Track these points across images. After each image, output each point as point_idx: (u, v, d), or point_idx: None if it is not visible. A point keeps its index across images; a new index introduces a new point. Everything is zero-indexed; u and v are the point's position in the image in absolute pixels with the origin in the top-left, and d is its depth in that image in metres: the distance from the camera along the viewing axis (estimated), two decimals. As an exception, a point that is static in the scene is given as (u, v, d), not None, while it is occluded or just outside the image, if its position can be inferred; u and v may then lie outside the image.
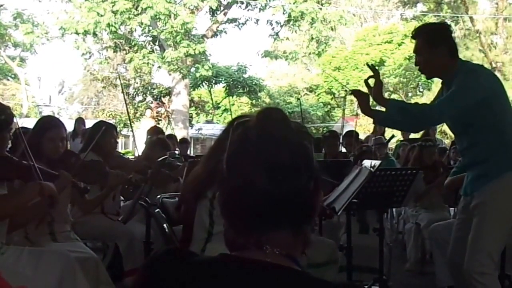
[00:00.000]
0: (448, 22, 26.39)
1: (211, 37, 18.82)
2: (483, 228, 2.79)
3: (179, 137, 9.05)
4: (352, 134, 7.37)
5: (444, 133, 21.45)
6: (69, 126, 4.88)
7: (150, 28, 17.25)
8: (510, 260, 3.72)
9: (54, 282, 2.45)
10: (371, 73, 3.06)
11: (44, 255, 2.58)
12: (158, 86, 20.72)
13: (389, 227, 4.79)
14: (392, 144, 10.50)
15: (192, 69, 18.48)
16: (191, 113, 22.03)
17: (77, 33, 16.93)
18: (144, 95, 20.96)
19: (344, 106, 20.19)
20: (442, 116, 2.92)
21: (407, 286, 4.53)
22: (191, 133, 21.61)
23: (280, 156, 0.99)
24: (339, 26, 20.23)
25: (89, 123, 10.30)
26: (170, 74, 18.30)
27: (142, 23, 16.57)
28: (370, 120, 3.12)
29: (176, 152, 5.89)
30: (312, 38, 18.90)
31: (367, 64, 3.16)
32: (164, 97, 20.02)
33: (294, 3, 17.51)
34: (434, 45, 2.89)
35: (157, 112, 18.85)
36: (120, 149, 19.12)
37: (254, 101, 22.92)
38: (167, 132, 11.55)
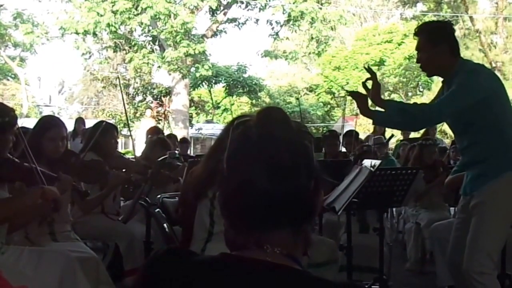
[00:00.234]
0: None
1: (211, 37, 18.83)
2: (482, 228, 2.79)
3: (179, 137, 9.04)
4: (352, 134, 7.36)
5: (444, 133, 21.46)
6: (69, 126, 4.88)
7: (150, 28, 17.26)
8: (511, 259, 3.72)
9: (54, 281, 2.45)
10: (369, 75, 3.07)
11: (44, 254, 2.58)
12: (158, 86, 20.73)
13: (389, 227, 4.78)
14: (392, 144, 10.50)
15: (192, 69, 18.49)
16: (191, 113, 22.05)
17: (77, 33, 16.94)
18: (144, 95, 20.98)
19: (344, 106, 20.19)
20: (442, 116, 2.93)
21: (407, 286, 4.53)
22: (191, 133, 21.61)
23: (280, 155, 0.99)
24: (339, 26, 20.24)
25: (89, 123, 10.30)
26: (170, 74, 18.31)
27: (142, 23, 16.58)
28: (370, 120, 3.12)
29: (176, 152, 5.89)
30: (312, 38, 18.91)
31: (364, 67, 3.16)
32: (164, 97, 20.03)
33: (294, 3, 17.51)
34: (436, 43, 2.89)
35: (157, 112, 18.85)
36: (120, 149, 19.12)
37: (254, 101, 22.95)
38: (167, 132, 11.57)
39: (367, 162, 3.37)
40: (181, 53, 16.75)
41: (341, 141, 6.91)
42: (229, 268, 0.98)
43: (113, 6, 16.23)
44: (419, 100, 21.99)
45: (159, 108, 19.30)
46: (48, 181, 2.72)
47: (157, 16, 16.32)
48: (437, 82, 24.22)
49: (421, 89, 27.40)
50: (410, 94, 27.36)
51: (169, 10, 16.17)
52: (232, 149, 1.03)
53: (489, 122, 2.82)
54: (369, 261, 3.90)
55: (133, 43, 18.39)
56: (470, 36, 24.90)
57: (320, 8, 18.11)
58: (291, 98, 27.93)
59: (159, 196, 3.51)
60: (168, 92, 19.65)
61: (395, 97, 27.07)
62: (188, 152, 9.47)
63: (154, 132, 6.61)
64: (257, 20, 19.17)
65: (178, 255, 1.03)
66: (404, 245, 5.46)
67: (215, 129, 21.15)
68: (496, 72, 3.26)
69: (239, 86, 21.29)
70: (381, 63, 26.09)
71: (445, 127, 21.75)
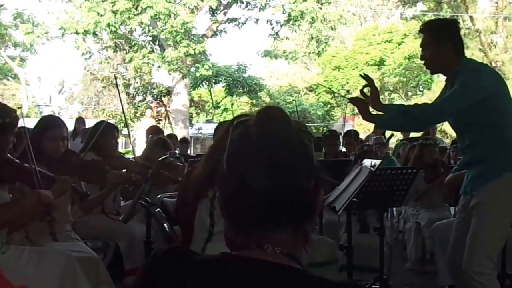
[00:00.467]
0: (448, 21, 26.26)
1: (211, 36, 18.82)
2: (482, 228, 2.79)
3: (179, 137, 9.05)
4: (352, 134, 7.37)
5: (444, 133, 21.45)
6: (69, 126, 4.88)
7: (150, 28, 17.26)
8: (511, 259, 3.72)
9: (55, 281, 2.45)
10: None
11: (44, 254, 2.58)
12: (158, 85, 20.73)
13: (390, 227, 4.79)
14: (392, 144, 10.50)
15: (192, 69, 18.49)
16: (191, 113, 22.05)
17: (77, 33, 16.93)
18: (144, 95, 20.98)
19: (345, 106, 20.18)
20: (444, 115, 2.93)
21: (408, 285, 4.53)
22: (191, 133, 21.61)
23: (280, 155, 0.99)
24: (339, 26, 20.23)
25: (89, 123, 10.30)
26: (170, 74, 18.30)
27: (142, 23, 16.58)
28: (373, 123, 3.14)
29: (177, 151, 5.90)
30: (312, 38, 18.90)
31: (361, 75, 3.17)
32: (164, 96, 20.03)
33: (294, 3, 17.51)
34: (440, 41, 2.88)
35: (157, 112, 18.86)
36: (121, 149, 19.13)
37: (254, 101, 22.93)
38: (170, 131, 11.56)
39: (367, 162, 3.37)
40: (181, 53, 16.75)
41: (341, 141, 6.91)
42: (230, 267, 0.98)
43: (113, 6, 16.23)
44: (419, 99, 22.00)
45: (159, 108, 19.30)
46: (48, 182, 2.73)
47: (157, 16, 16.31)
48: (437, 82, 24.23)
49: (421, 89, 27.39)
50: (410, 93, 27.35)
51: (169, 10, 16.17)
52: (232, 149, 1.03)
53: (491, 122, 2.82)
54: (369, 261, 3.91)
55: (133, 43, 18.39)
56: (470, 35, 24.88)
57: (320, 8, 18.10)
58: (291, 98, 27.93)
59: (159, 196, 3.51)
60: (168, 92, 19.65)
61: (395, 96, 27.09)
62: (188, 152, 9.48)
63: (155, 132, 6.60)
64: (257, 20, 19.18)
65: (178, 255, 1.03)
66: (404, 245, 5.46)
67: (215, 129, 21.10)
68: (496, 72, 3.26)
69: (239, 86, 21.29)
70: (381, 62, 26.09)
71: (445, 126, 21.75)
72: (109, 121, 5.97)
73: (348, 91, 25.37)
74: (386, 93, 26.56)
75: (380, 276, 3.66)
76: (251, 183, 0.98)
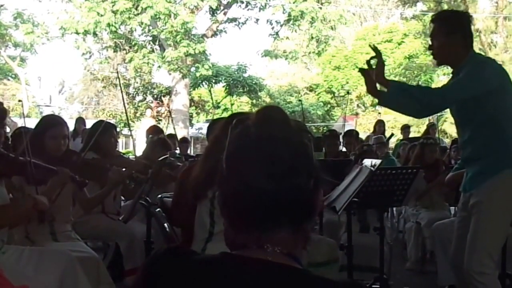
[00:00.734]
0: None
1: (211, 36, 18.83)
2: (482, 227, 2.78)
3: (179, 137, 9.05)
4: (352, 134, 7.38)
5: (444, 132, 21.45)
6: (70, 126, 4.88)
7: (150, 27, 17.27)
8: (511, 259, 3.72)
9: (55, 281, 2.45)
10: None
11: (45, 254, 2.58)
12: (158, 85, 20.75)
13: (390, 226, 4.79)
14: (392, 143, 10.51)
15: (192, 69, 18.50)
16: (191, 113, 22.05)
17: (77, 33, 16.95)
18: (144, 95, 21.00)
19: (346, 106, 20.19)
20: (445, 102, 2.88)
21: (408, 285, 4.52)
22: (191, 133, 21.63)
23: (279, 155, 0.99)
24: (339, 25, 20.25)
25: (89, 123, 10.30)
26: (170, 74, 18.31)
27: (142, 23, 16.59)
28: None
29: (177, 151, 5.90)
30: (312, 38, 18.92)
31: (370, 45, 3.12)
32: (164, 96, 20.04)
33: (294, 3, 17.53)
34: (449, 32, 2.86)
35: (157, 112, 18.87)
36: (121, 148, 19.14)
37: (254, 101, 22.94)
38: (170, 131, 11.55)
39: (367, 162, 3.36)
40: (181, 53, 16.76)
41: (341, 140, 6.91)
42: (230, 267, 0.98)
43: (113, 6, 16.24)
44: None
45: (159, 108, 19.31)
46: (45, 174, 2.74)
47: (157, 16, 16.33)
48: (437, 82, 24.26)
49: (421, 89, 27.34)
50: (410, 93, 27.28)
51: (169, 10, 16.18)
52: (231, 149, 1.03)
53: (492, 117, 2.80)
54: (370, 261, 3.90)
55: (133, 43, 18.40)
56: (470, 35, 24.85)
57: (320, 8, 18.12)
58: (291, 97, 27.93)
59: (159, 195, 3.51)
60: (168, 92, 19.65)
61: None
62: (188, 152, 9.48)
63: (155, 132, 6.60)
64: (257, 19, 19.20)
65: (178, 254, 1.03)
66: (405, 245, 5.46)
67: (215, 129, 21.06)
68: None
69: (239, 86, 21.29)
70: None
71: (445, 126, 21.75)
72: (109, 121, 5.97)
73: (348, 91, 25.37)
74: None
75: (380, 276, 3.66)
76: (251, 183, 0.98)
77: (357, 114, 22.86)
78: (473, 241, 2.78)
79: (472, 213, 2.83)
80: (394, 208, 5.36)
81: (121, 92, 5.77)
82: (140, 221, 3.84)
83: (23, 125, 3.78)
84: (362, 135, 10.29)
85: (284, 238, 1.00)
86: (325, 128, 24.00)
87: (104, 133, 4.02)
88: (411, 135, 10.74)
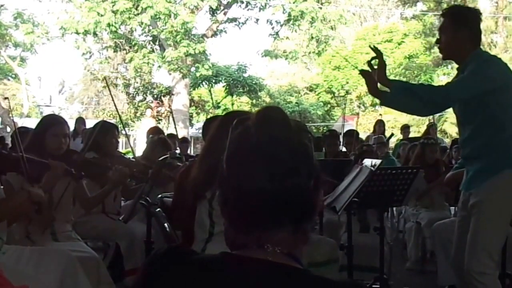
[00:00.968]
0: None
1: (211, 36, 18.83)
2: (482, 228, 2.78)
3: (179, 137, 9.05)
4: (352, 133, 7.37)
5: (444, 132, 21.46)
6: (70, 126, 4.88)
7: (150, 27, 17.27)
8: (511, 259, 3.72)
9: (55, 281, 2.45)
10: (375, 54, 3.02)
11: (45, 254, 2.58)
12: (158, 85, 20.74)
13: (390, 226, 4.79)
14: (392, 143, 10.51)
15: (192, 69, 18.51)
16: (191, 113, 22.06)
17: (77, 33, 16.96)
18: (144, 95, 20.99)
19: (345, 106, 20.19)
20: (448, 100, 2.87)
21: (408, 285, 4.53)
22: (192, 133, 21.62)
23: (280, 155, 0.99)
24: (339, 25, 20.25)
25: (89, 123, 10.31)
26: (170, 74, 18.32)
27: (142, 23, 16.59)
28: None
29: (177, 151, 5.90)
30: (312, 38, 18.92)
31: (370, 46, 3.12)
32: (164, 96, 20.04)
33: (294, 3, 17.52)
34: (458, 27, 2.86)
35: (157, 112, 18.87)
36: (121, 148, 19.14)
37: (254, 101, 22.94)
38: (169, 131, 11.55)
39: (367, 162, 3.36)
40: (181, 53, 16.76)
41: (341, 140, 6.91)
42: (230, 267, 0.98)
43: (113, 6, 16.24)
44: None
45: (159, 108, 19.31)
46: (40, 168, 2.75)
47: (157, 16, 16.33)
48: (437, 81, 24.25)
49: (421, 89, 27.33)
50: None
51: (169, 10, 16.18)
52: (232, 149, 1.03)
53: (494, 116, 2.79)
54: (370, 261, 3.91)
55: (133, 43, 18.40)
56: (470, 35, 24.83)
57: (320, 8, 18.12)
58: (291, 97, 27.93)
59: (159, 195, 3.51)
60: (168, 92, 19.65)
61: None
62: (189, 152, 9.49)
63: (155, 132, 6.61)
64: (257, 19, 19.19)
65: (178, 254, 1.03)
66: (405, 245, 5.46)
67: (216, 128, 21.06)
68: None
69: (239, 86, 21.30)
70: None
71: (445, 126, 21.75)
72: (109, 121, 5.97)
73: (347, 91, 25.37)
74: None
75: (380, 275, 3.66)
76: (251, 183, 0.98)
77: (357, 114, 22.87)
78: (473, 241, 2.78)
79: (472, 213, 2.83)
80: (394, 208, 5.36)
81: (111, 96, 5.74)
82: (140, 221, 3.85)
83: (23, 125, 3.79)
84: (362, 135, 10.29)
85: (284, 238, 1.00)
86: (325, 128, 24.00)
87: (106, 133, 4.03)
88: (411, 135, 10.74)
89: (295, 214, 1.00)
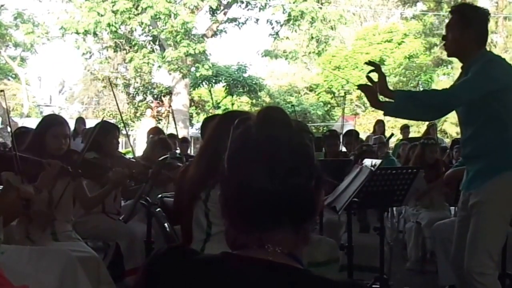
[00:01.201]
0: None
1: (211, 36, 18.83)
2: (481, 228, 2.78)
3: (179, 137, 9.04)
4: (352, 134, 7.37)
5: (444, 132, 21.45)
6: (70, 126, 4.88)
7: (150, 27, 17.27)
8: (511, 259, 3.72)
9: (55, 281, 2.45)
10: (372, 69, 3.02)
11: (45, 254, 2.59)
12: (158, 85, 20.74)
13: (390, 226, 4.79)
14: (392, 143, 10.51)
15: (192, 69, 18.50)
16: (191, 113, 22.06)
17: (77, 33, 16.96)
18: (144, 95, 21.00)
19: (344, 105, 20.19)
20: (455, 101, 2.86)
21: (408, 285, 4.53)
22: (192, 133, 21.60)
23: (280, 155, 0.99)
24: (339, 25, 20.24)
25: (89, 123, 10.31)
26: (170, 74, 18.31)
27: (142, 23, 16.59)
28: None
29: (177, 151, 5.90)
30: (312, 38, 18.92)
31: (366, 63, 3.13)
32: (164, 96, 20.04)
33: (294, 3, 17.52)
34: (465, 26, 2.86)
35: (157, 112, 18.87)
36: (120, 148, 19.14)
37: (254, 101, 22.94)
38: (169, 130, 11.55)
39: (367, 162, 3.37)
40: (181, 53, 16.76)
41: (341, 141, 6.91)
42: (230, 267, 0.98)
43: (113, 6, 16.24)
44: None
45: (159, 108, 19.31)
46: (35, 166, 2.75)
47: (157, 16, 16.33)
48: (437, 81, 24.25)
49: (421, 89, 27.38)
50: (410, 93, 27.26)
51: (169, 10, 16.18)
52: (233, 149, 1.03)
53: (497, 117, 2.79)
54: (370, 261, 3.91)
55: (133, 43, 18.40)
56: (470, 35, 24.80)
57: (320, 8, 18.11)
58: (291, 97, 27.93)
59: (159, 195, 3.52)
60: (169, 92, 19.65)
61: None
62: (189, 152, 9.48)
63: (156, 133, 6.61)
64: (257, 19, 19.19)
65: (179, 254, 1.03)
66: (405, 245, 5.46)
67: (216, 129, 21.06)
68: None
69: (239, 86, 21.29)
70: (381, 62, 26.04)
71: (445, 126, 21.75)
72: (109, 121, 5.97)
73: (346, 91, 25.36)
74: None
75: (380, 275, 3.66)
76: (252, 183, 0.98)
77: (357, 114, 22.87)
78: (473, 241, 2.78)
79: (472, 213, 2.83)
80: (394, 208, 5.37)
81: (114, 96, 5.76)
82: (141, 221, 3.85)
83: (23, 125, 3.79)
84: (362, 135, 10.29)
85: (285, 238, 1.00)
86: (325, 128, 24.00)
87: (106, 133, 4.04)
88: (411, 135, 10.74)
89: (296, 214, 1.00)
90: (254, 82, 21.55)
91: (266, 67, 34.37)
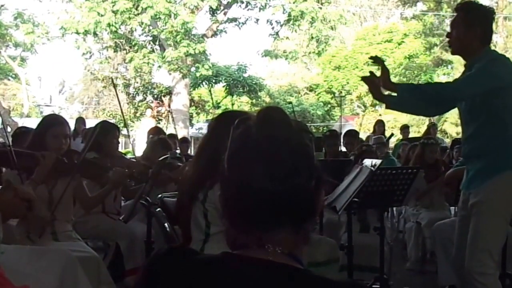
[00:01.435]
0: (448, 21, 26.37)
1: (211, 36, 18.84)
2: (482, 228, 2.78)
3: (179, 137, 9.05)
4: (352, 134, 7.36)
5: (445, 132, 21.46)
6: (70, 126, 4.89)
7: (150, 27, 17.28)
8: (511, 259, 3.72)
9: (55, 281, 2.45)
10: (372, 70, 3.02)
11: (45, 254, 2.58)
12: (158, 85, 20.75)
13: (390, 226, 4.79)
14: (392, 143, 10.51)
15: (192, 69, 18.51)
16: (191, 113, 22.05)
17: (77, 33, 16.97)
18: (144, 95, 21.00)
19: (344, 106, 20.19)
20: (458, 94, 2.86)
21: (408, 285, 4.53)
22: (192, 133, 21.62)
23: (280, 155, 0.99)
24: (339, 25, 20.25)
25: (89, 123, 10.31)
26: (170, 74, 18.32)
27: (142, 23, 16.60)
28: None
29: (177, 151, 5.90)
30: (312, 38, 18.93)
31: (370, 57, 3.13)
32: (164, 96, 20.04)
33: (294, 3, 17.53)
34: (470, 25, 2.85)
35: (157, 112, 18.87)
36: (121, 149, 19.14)
37: (254, 101, 22.95)
38: (170, 131, 11.56)
39: (367, 162, 3.37)
40: (181, 53, 16.77)
41: (341, 140, 6.91)
42: (231, 267, 0.98)
43: (113, 6, 16.25)
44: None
45: (159, 108, 19.31)
46: (30, 160, 2.75)
47: (158, 16, 16.34)
48: (438, 81, 24.18)
49: (421, 89, 27.32)
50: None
51: (169, 10, 16.19)
52: (233, 149, 1.03)
53: (498, 115, 2.80)
54: (370, 261, 3.91)
55: (133, 43, 18.41)
56: (470, 35, 24.80)
57: (320, 8, 18.12)
58: (291, 97, 27.94)
59: (159, 195, 3.52)
60: (169, 92, 19.65)
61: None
62: (189, 152, 9.48)
63: (156, 133, 6.61)
64: (257, 19, 19.21)
65: (179, 254, 1.03)
66: (405, 245, 5.46)
67: (216, 128, 21.07)
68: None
69: (239, 86, 21.30)
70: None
71: (445, 126, 21.75)
72: (109, 121, 5.97)
73: (346, 92, 25.37)
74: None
75: (380, 275, 3.66)
76: (252, 183, 0.98)
77: (357, 114, 22.88)
78: (473, 241, 2.78)
79: (472, 213, 2.83)
80: (394, 208, 5.36)
81: (117, 96, 5.76)
82: (141, 221, 3.85)
83: (23, 125, 3.80)
84: (362, 135, 10.29)
85: (285, 238, 1.00)
86: (325, 128, 24.00)
87: (106, 134, 4.04)
88: (411, 135, 10.75)
89: (296, 214, 1.01)
90: (254, 82, 21.56)
91: (266, 67, 34.41)
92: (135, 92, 21.17)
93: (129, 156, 8.06)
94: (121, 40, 18.44)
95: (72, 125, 8.33)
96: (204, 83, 21.05)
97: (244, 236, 1.00)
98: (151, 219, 3.45)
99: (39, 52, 22.70)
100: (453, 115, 19.96)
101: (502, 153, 2.80)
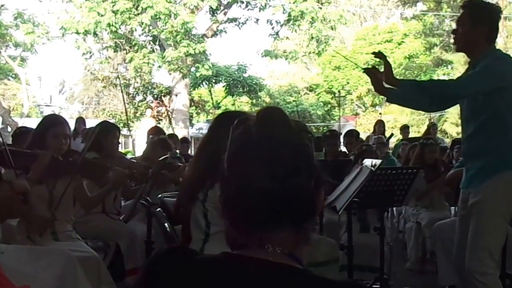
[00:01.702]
0: (448, 21, 26.39)
1: (211, 36, 18.84)
2: (482, 227, 2.78)
3: (179, 137, 9.04)
4: (352, 134, 7.38)
5: (445, 132, 21.46)
6: (70, 126, 4.89)
7: (150, 27, 17.27)
8: (511, 259, 3.72)
9: (55, 280, 2.45)
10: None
11: (45, 254, 2.59)
12: (158, 85, 20.75)
13: (390, 226, 4.79)
14: (392, 143, 10.52)
15: (192, 69, 18.51)
16: (191, 113, 22.06)
17: (77, 33, 16.96)
18: (144, 95, 21.01)
19: (344, 106, 20.20)
20: (461, 91, 2.85)
21: (408, 285, 4.53)
22: (192, 133, 21.62)
23: (280, 155, 0.99)
24: (339, 26, 20.24)
25: (89, 123, 10.31)
26: (170, 74, 18.32)
27: (142, 23, 16.60)
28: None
29: (177, 151, 5.90)
30: (312, 38, 18.92)
31: (373, 52, 3.14)
32: (164, 96, 20.04)
33: (294, 3, 17.53)
34: (476, 22, 2.84)
35: (157, 112, 18.87)
36: (121, 148, 19.15)
37: (254, 101, 22.96)
38: (170, 131, 11.56)
39: (367, 162, 3.37)
40: (181, 53, 16.77)
41: (341, 141, 6.92)
42: (231, 267, 0.98)
43: (113, 6, 16.25)
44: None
45: (160, 108, 19.32)
46: (26, 158, 2.75)
47: (158, 16, 16.34)
48: (438, 81, 24.17)
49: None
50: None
51: (169, 10, 16.19)
52: (233, 150, 1.04)
53: (499, 115, 2.79)
54: (370, 261, 3.91)
55: (133, 43, 18.41)
56: (471, 35, 24.82)
57: (320, 8, 18.12)
58: (291, 98, 27.94)
59: (160, 195, 3.52)
60: (169, 92, 19.66)
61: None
62: (189, 152, 9.48)
63: (156, 133, 6.60)
64: (257, 20, 19.21)
65: (179, 254, 1.04)
66: (405, 245, 5.46)
67: (216, 128, 21.07)
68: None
69: (239, 86, 21.31)
70: (381, 62, 26.03)
71: (445, 126, 21.75)
72: (109, 121, 5.97)
73: (348, 91, 25.37)
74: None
75: (380, 275, 3.66)
76: (252, 183, 0.98)
77: (357, 114, 22.89)
78: (473, 241, 2.78)
79: (472, 213, 2.83)
80: (394, 208, 5.37)
81: (122, 93, 5.77)
82: (141, 221, 3.85)
83: (23, 125, 3.80)
84: (362, 135, 10.29)
85: (285, 238, 1.00)
86: (325, 128, 24.00)
87: (107, 134, 4.04)
88: (411, 135, 10.75)
89: (296, 214, 1.01)
90: (254, 82, 21.57)
91: (266, 67, 34.41)
92: (135, 92, 21.17)
93: (129, 156, 8.06)
94: (121, 40, 18.44)
95: (72, 125, 8.34)
96: (204, 83, 21.06)
97: (244, 236, 1.01)
98: (151, 219, 3.45)
99: (39, 52, 22.70)
100: (453, 115, 19.97)
101: (502, 152, 2.80)
